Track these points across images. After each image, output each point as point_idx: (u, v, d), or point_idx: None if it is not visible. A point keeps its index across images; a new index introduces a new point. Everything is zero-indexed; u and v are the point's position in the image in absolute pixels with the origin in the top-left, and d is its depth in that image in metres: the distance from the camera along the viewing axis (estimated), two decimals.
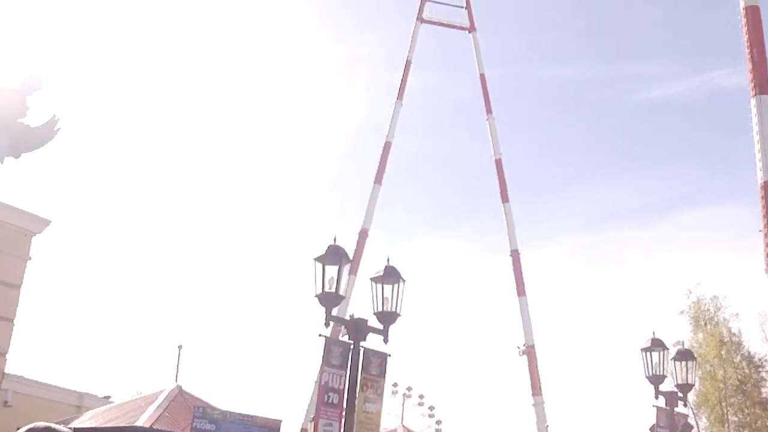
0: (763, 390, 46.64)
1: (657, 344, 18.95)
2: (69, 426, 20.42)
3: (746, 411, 47.30)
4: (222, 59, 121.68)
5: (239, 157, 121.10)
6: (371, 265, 15.24)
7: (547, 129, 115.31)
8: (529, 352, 60.00)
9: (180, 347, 30.14)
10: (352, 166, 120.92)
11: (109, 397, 37.07)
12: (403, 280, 14.47)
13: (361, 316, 14.32)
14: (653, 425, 18.99)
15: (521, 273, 62.70)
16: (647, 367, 18.85)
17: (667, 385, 19.37)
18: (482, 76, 70.12)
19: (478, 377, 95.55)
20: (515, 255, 63.21)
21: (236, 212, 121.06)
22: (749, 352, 47.75)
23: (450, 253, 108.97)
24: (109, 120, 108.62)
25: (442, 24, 72.10)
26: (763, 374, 46.67)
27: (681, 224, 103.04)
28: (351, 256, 14.87)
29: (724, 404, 47.31)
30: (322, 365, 13.65)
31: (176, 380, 29.24)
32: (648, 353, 18.86)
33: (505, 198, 65.55)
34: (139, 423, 25.53)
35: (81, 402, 34.34)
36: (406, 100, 68.14)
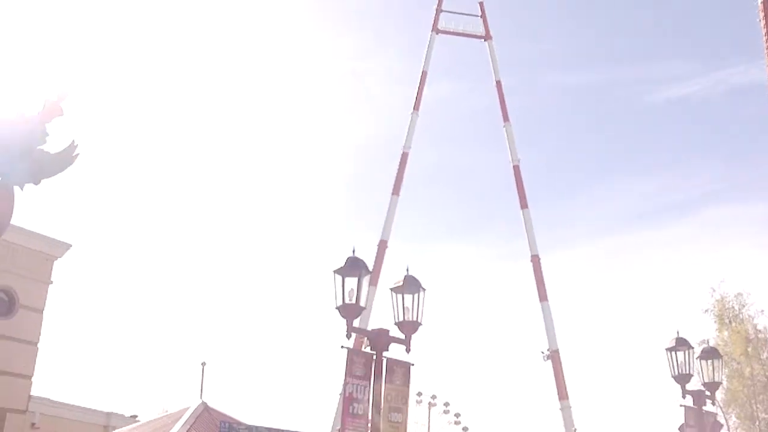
0: None
1: (682, 343, 18.85)
2: None
3: None
4: (242, 75, 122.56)
5: (258, 171, 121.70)
6: (392, 275, 15.27)
7: (564, 134, 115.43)
8: (554, 356, 59.80)
9: (204, 364, 30.24)
10: (370, 178, 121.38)
11: (135, 416, 37.21)
12: (423, 289, 14.49)
13: (383, 327, 14.34)
14: (682, 425, 18.87)
15: (542, 278, 62.59)
16: (673, 366, 18.74)
17: (694, 384, 19.24)
18: (498, 83, 70.22)
19: (503, 384, 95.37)
20: (536, 260, 63.07)
21: (256, 227, 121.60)
22: None
23: (470, 261, 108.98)
24: (125, 140, 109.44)
25: (457, 33, 72.31)
26: None
27: (702, 222, 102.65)
28: (371, 267, 14.90)
29: (753, 401, 46.88)
30: (345, 377, 13.68)
31: (201, 397, 29.33)
32: (673, 353, 18.76)
33: (524, 204, 65.50)
34: None
35: (108, 422, 34.46)
36: (423, 110, 68.47)
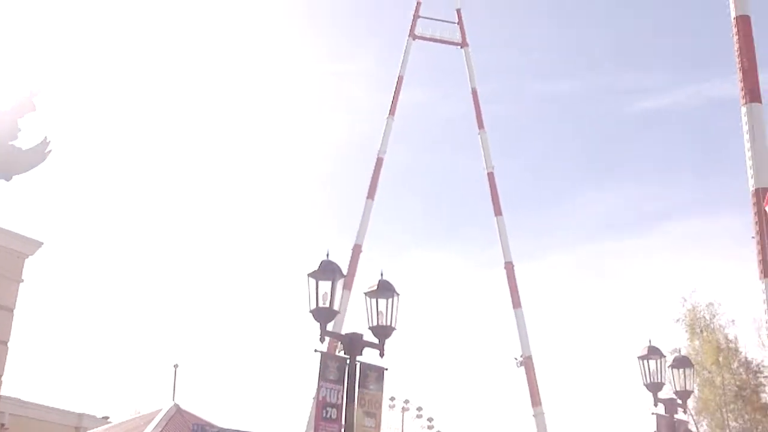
0: (762, 395, 46.60)
1: (654, 352, 18.95)
2: None
3: (746, 417, 47.28)
4: (220, 74, 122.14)
5: (231, 172, 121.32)
6: (366, 279, 15.24)
7: (540, 143, 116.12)
8: (527, 363, 60.00)
9: (176, 366, 30.12)
10: (345, 182, 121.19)
11: (107, 417, 36.93)
12: (397, 294, 14.47)
13: (357, 331, 14.32)
14: None
15: (516, 285, 62.80)
16: (645, 375, 18.84)
17: (666, 393, 19.35)
18: (474, 91, 70.41)
19: (477, 389, 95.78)
20: (509, 267, 63.27)
21: (229, 229, 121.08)
22: (746, 358, 47.77)
23: (445, 267, 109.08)
24: (100, 136, 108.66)
25: (434, 40, 72.45)
26: (761, 380, 46.63)
27: (675, 233, 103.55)
28: (345, 271, 14.86)
29: (724, 410, 47.27)
30: (319, 381, 13.63)
31: (173, 399, 29.18)
32: (645, 361, 18.85)
33: (498, 211, 65.71)
34: None
35: (80, 423, 34.15)
36: (399, 115, 68.45)
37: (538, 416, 58.46)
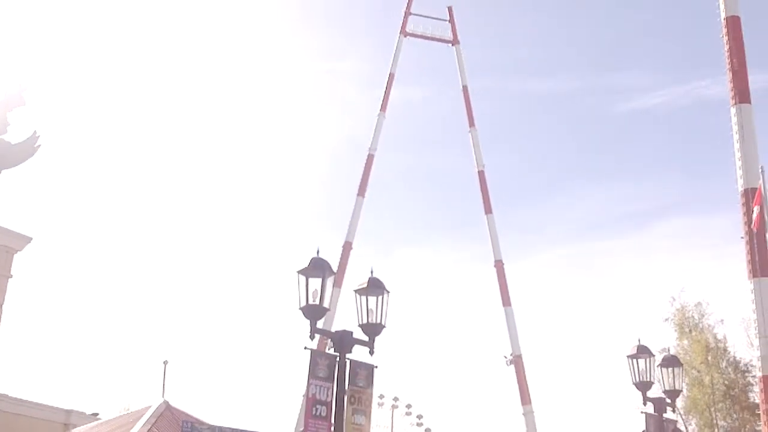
0: (751, 395, 46.82)
1: (643, 351, 19.02)
2: None
3: (734, 416, 47.50)
4: (214, 73, 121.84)
5: (223, 169, 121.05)
6: (356, 277, 15.23)
7: (530, 141, 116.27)
8: (517, 361, 60.09)
9: (165, 362, 30.01)
10: (337, 179, 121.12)
11: (96, 414, 36.76)
12: (387, 292, 14.47)
13: (347, 329, 14.31)
14: (643, 431, 19.03)
15: (506, 283, 62.88)
16: (634, 374, 18.91)
17: (655, 392, 19.42)
18: (465, 89, 70.41)
19: (466, 387, 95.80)
20: (499, 265, 63.33)
21: (220, 225, 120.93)
22: (735, 358, 48.07)
23: (435, 265, 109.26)
24: (90, 131, 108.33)
25: (425, 37, 72.40)
26: (750, 379, 46.85)
27: (664, 232, 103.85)
28: (335, 268, 14.84)
29: (712, 409, 47.48)
30: (308, 378, 13.61)
31: (163, 396, 29.07)
32: (634, 360, 18.92)
33: (488, 209, 65.75)
34: None
35: (68, 420, 34.00)
36: (390, 113, 68.34)
37: (528, 415, 58.57)
